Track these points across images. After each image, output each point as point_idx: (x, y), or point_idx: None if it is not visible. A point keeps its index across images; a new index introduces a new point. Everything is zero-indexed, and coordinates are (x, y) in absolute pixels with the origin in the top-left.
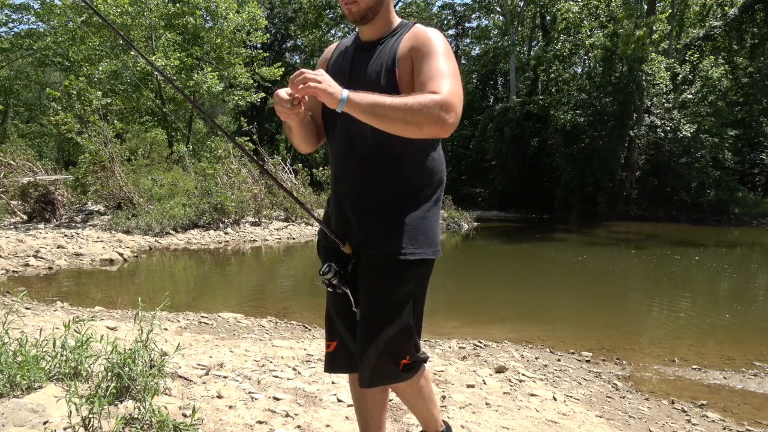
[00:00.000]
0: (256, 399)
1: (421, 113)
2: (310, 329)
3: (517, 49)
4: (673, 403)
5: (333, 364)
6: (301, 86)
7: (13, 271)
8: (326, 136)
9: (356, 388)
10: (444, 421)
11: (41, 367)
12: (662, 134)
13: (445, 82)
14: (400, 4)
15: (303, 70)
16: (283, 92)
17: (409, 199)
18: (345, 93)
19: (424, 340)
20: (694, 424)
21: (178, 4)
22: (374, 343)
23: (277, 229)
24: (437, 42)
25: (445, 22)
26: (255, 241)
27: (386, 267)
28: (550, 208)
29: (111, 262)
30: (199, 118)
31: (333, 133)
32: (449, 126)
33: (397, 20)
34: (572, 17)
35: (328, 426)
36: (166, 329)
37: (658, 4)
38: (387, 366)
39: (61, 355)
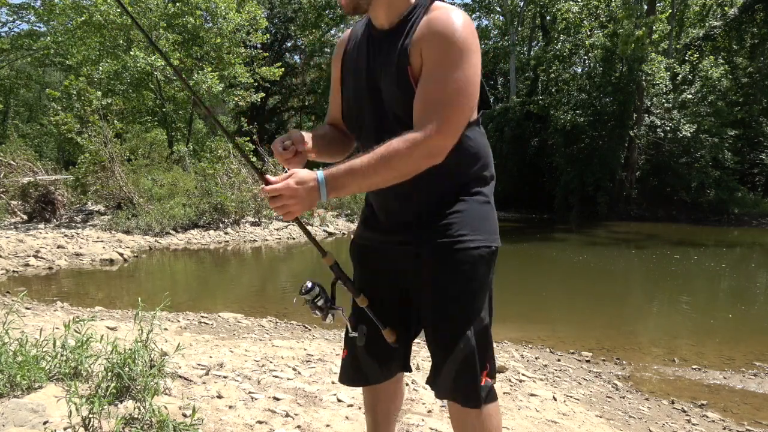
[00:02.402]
0: (256, 399)
1: (402, 164)
2: (310, 329)
3: (517, 49)
4: (673, 403)
5: (343, 375)
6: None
7: (13, 271)
8: (355, 137)
9: (368, 400)
10: None
11: (41, 367)
12: (662, 134)
13: (438, 112)
14: None
15: (278, 191)
16: (279, 145)
17: (456, 188)
18: (324, 192)
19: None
20: (694, 424)
21: (178, 4)
22: (452, 355)
23: (277, 229)
24: (451, 36)
25: None
26: (255, 241)
27: (450, 257)
28: (550, 208)
29: (111, 262)
30: (200, 118)
31: (360, 133)
32: (441, 157)
33: None
34: (572, 17)
35: (328, 426)
36: (166, 329)
37: (658, 4)
38: (466, 382)
39: (61, 355)
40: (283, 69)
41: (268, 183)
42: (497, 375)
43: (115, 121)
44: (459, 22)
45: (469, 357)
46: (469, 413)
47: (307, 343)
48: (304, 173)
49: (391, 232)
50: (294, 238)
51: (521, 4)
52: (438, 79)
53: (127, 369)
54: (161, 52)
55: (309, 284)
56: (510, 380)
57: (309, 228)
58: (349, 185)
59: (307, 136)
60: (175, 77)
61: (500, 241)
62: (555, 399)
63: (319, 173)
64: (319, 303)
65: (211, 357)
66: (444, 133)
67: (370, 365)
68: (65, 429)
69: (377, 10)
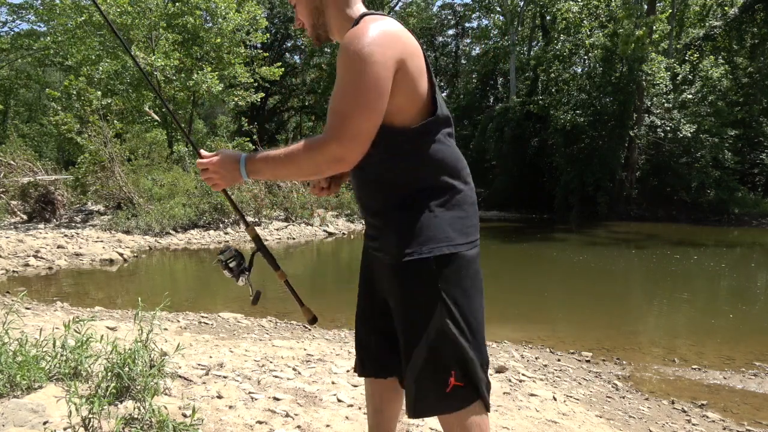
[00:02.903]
0: (256, 399)
1: (303, 163)
2: (310, 329)
3: (517, 49)
4: (673, 403)
5: (357, 366)
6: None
7: (13, 271)
8: None
9: (370, 395)
10: None
11: (41, 367)
12: (662, 134)
13: (334, 120)
14: (400, 4)
15: (205, 164)
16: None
17: (400, 199)
18: (243, 172)
19: None
20: (694, 424)
21: (177, 4)
22: (410, 363)
23: (277, 229)
24: (348, 47)
25: (445, 22)
26: None
27: (391, 269)
28: (550, 208)
29: (111, 262)
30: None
31: None
32: (345, 163)
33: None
34: (572, 17)
35: (328, 426)
36: (166, 329)
37: (658, 4)
38: (428, 387)
39: (61, 355)
40: (283, 69)
41: (201, 157)
42: (498, 375)
43: (115, 121)
44: (364, 33)
45: (423, 366)
46: (446, 420)
47: (307, 343)
48: (230, 153)
49: (367, 236)
50: (294, 238)
51: (521, 4)
52: (336, 89)
53: (127, 369)
54: (125, 45)
55: (232, 249)
56: (510, 380)
57: (309, 228)
58: (264, 171)
59: None
60: (174, 77)
61: (452, 248)
62: (555, 399)
63: (243, 155)
64: (231, 265)
65: (211, 357)
66: (339, 140)
67: (372, 360)
68: (65, 429)
69: (335, 36)
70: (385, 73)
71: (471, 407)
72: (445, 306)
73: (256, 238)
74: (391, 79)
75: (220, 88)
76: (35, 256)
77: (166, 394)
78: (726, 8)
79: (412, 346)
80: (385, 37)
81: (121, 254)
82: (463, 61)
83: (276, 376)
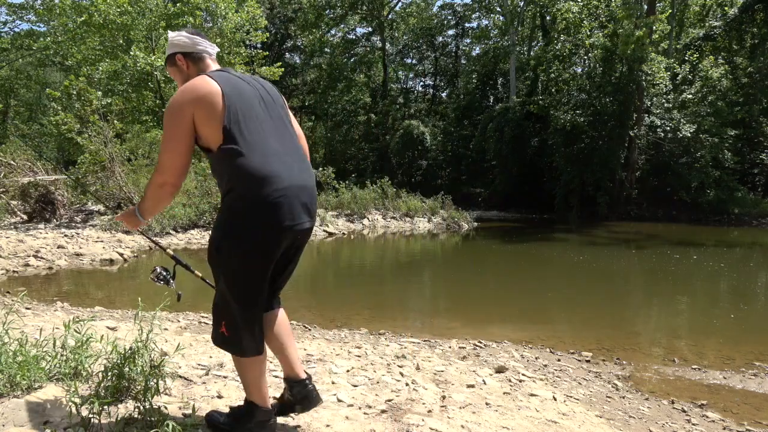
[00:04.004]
0: None
1: (150, 192)
2: (310, 329)
3: (517, 49)
4: (673, 403)
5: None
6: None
7: (13, 271)
8: None
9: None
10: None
11: (41, 367)
12: (662, 134)
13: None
14: (401, 4)
15: (118, 217)
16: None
17: (221, 200)
18: (139, 216)
19: (424, 340)
20: (694, 424)
21: (178, 4)
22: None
23: None
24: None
25: (445, 22)
26: None
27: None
28: (550, 208)
29: (111, 262)
30: None
31: None
32: (168, 186)
33: None
34: (572, 17)
35: (328, 426)
36: (166, 329)
37: (658, 4)
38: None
39: (61, 355)
40: (282, 69)
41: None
42: (498, 375)
43: (115, 121)
44: (178, 91)
45: (213, 310)
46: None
47: (307, 343)
48: (130, 208)
49: None
50: None
51: (521, 4)
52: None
53: (127, 369)
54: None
55: (158, 269)
56: (510, 380)
57: None
58: (146, 208)
59: None
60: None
61: (229, 239)
62: (555, 399)
63: (136, 207)
64: (161, 278)
65: (211, 357)
66: (160, 172)
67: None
68: (65, 429)
69: None
70: (181, 120)
71: (238, 356)
72: (229, 274)
73: (174, 256)
74: (189, 122)
75: None
76: (35, 256)
77: (166, 394)
78: (726, 8)
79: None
80: (187, 93)
81: (121, 254)
82: (463, 61)
83: (276, 376)
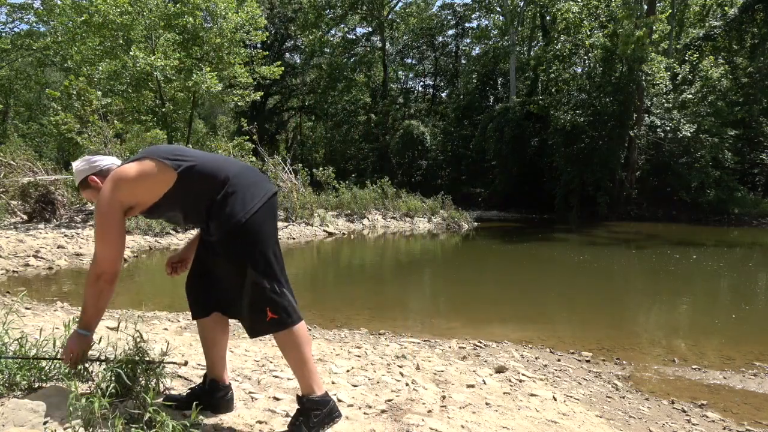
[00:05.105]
0: (256, 399)
1: (89, 289)
2: (310, 329)
3: (517, 49)
4: (673, 403)
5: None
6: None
7: (13, 271)
8: None
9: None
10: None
11: (41, 367)
12: (662, 134)
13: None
14: (401, 4)
15: (65, 351)
16: (168, 267)
17: None
18: (82, 332)
19: (424, 340)
20: (694, 424)
21: (178, 4)
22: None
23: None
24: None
25: (445, 22)
26: None
27: None
28: (550, 208)
29: None
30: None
31: None
32: (106, 275)
33: None
34: (572, 17)
35: None
36: (166, 329)
37: (658, 4)
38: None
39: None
40: (282, 68)
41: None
42: (498, 375)
43: (115, 121)
44: (106, 186)
45: (250, 308)
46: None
47: None
48: (72, 335)
49: None
50: (294, 238)
51: (521, 4)
52: None
53: (127, 369)
54: None
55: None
56: (510, 380)
57: (309, 228)
58: (88, 318)
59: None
60: (174, 77)
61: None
62: (555, 399)
63: (73, 329)
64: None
65: None
66: (96, 264)
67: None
68: (65, 429)
69: None
70: (110, 211)
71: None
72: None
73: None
74: (119, 211)
75: (219, 88)
76: (35, 256)
77: (166, 394)
78: (726, 8)
79: None
80: (114, 182)
81: None
82: (463, 61)
83: (276, 376)
